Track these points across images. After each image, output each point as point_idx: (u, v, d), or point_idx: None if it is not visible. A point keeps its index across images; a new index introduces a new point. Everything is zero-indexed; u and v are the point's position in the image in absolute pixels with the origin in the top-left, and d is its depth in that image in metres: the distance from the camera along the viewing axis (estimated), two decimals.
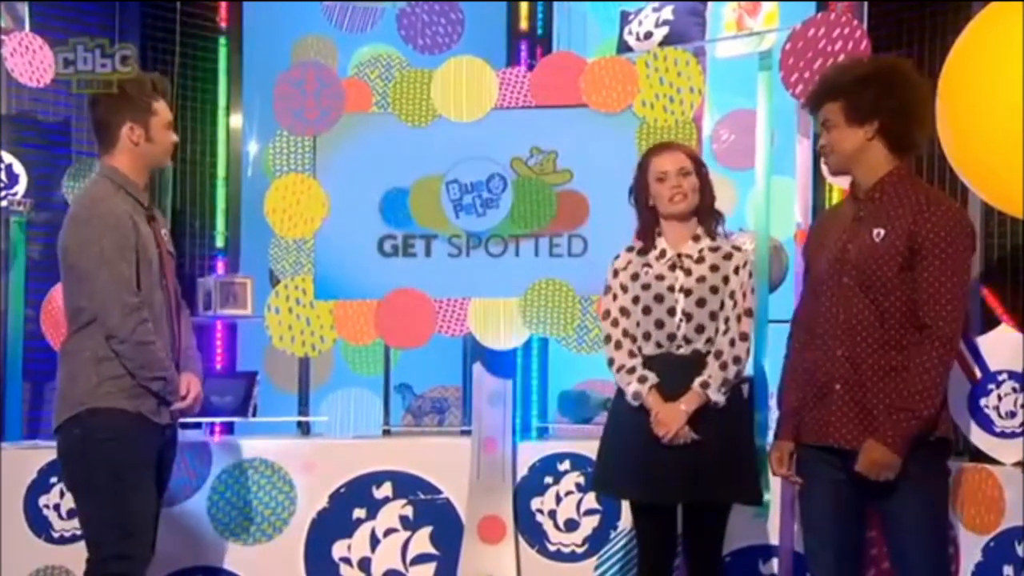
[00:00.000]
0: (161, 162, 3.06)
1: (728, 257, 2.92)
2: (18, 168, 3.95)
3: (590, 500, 3.67)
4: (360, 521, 3.72)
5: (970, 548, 3.06)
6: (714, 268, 2.90)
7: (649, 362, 2.88)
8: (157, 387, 2.87)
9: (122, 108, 2.93)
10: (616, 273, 2.99)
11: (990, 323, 3.32)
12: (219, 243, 4.68)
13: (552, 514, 3.70)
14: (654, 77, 3.59)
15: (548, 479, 3.71)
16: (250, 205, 4.45)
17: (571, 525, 3.69)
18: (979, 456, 3.13)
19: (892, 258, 2.50)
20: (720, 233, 3.01)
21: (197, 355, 3.14)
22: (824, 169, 2.90)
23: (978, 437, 3.12)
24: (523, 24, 4.55)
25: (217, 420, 4.09)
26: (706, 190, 2.95)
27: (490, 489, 3.69)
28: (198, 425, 3.99)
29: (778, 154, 3.57)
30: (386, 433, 4.04)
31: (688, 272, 2.89)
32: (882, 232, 2.53)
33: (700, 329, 2.86)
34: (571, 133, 3.64)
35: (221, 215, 4.68)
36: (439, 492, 3.73)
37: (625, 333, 2.93)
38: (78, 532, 3.44)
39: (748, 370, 3.10)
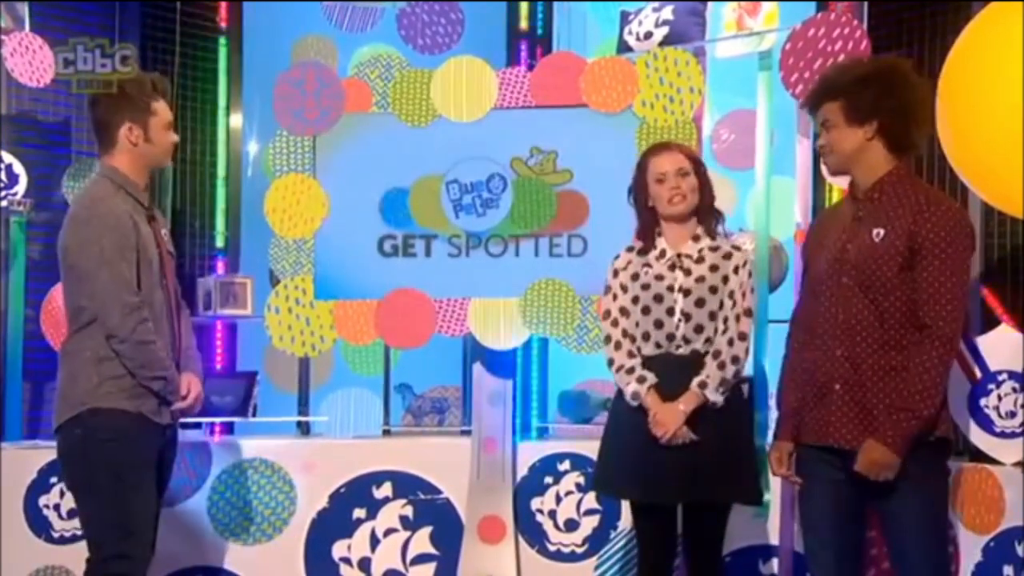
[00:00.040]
0: (161, 162, 3.06)
1: (728, 257, 2.92)
2: (18, 168, 3.95)
3: (590, 500, 3.67)
4: (360, 521, 3.72)
5: (970, 548, 3.06)
6: (713, 268, 2.90)
7: (648, 362, 2.88)
8: (157, 387, 2.87)
9: (121, 108, 2.93)
10: (616, 273, 2.99)
11: (990, 323, 3.32)
12: (219, 243, 4.68)
13: (552, 514, 3.70)
14: (654, 77, 3.59)
15: (548, 479, 3.71)
16: (250, 205, 4.45)
17: (571, 525, 3.69)
18: (979, 456, 3.13)
19: (892, 258, 2.50)
20: (720, 233, 3.01)
21: (197, 355, 3.14)
22: (823, 169, 2.90)
23: (978, 437, 3.12)
24: (523, 24, 4.55)
25: (217, 420, 4.09)
26: (705, 190, 2.94)
27: (490, 489, 3.69)
28: (198, 425, 3.99)
29: (778, 154, 3.57)
30: (386, 433, 4.04)
31: (687, 272, 2.89)
32: (882, 232, 2.53)
33: (699, 329, 2.86)
34: (571, 133, 3.64)
35: (221, 215, 4.68)
36: (439, 492, 3.73)
37: (624, 333, 2.93)
38: (78, 532, 3.44)
39: (748, 370, 3.11)
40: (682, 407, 2.81)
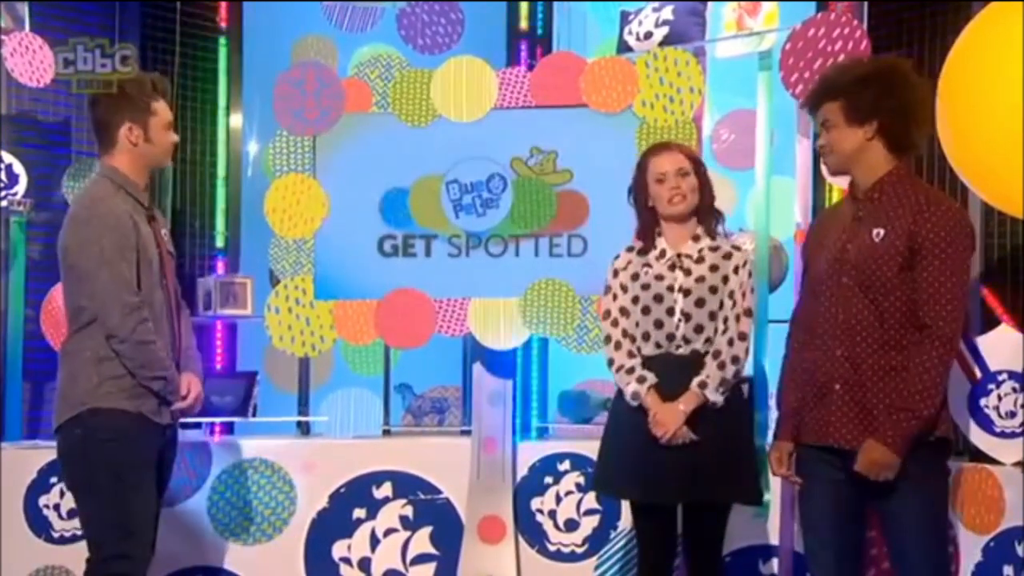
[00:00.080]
0: (161, 162, 3.06)
1: (728, 257, 2.92)
2: (18, 168, 3.95)
3: (590, 500, 3.67)
4: (360, 521, 3.72)
5: (970, 548, 3.06)
6: (713, 268, 2.90)
7: (648, 362, 2.88)
8: (158, 387, 2.87)
9: (121, 108, 2.93)
10: (616, 273, 2.99)
11: (990, 323, 3.32)
12: (219, 243, 4.67)
13: (552, 514, 3.70)
14: (654, 77, 3.59)
15: (548, 479, 3.71)
16: (250, 205, 4.45)
17: (571, 525, 3.69)
18: (979, 456, 3.13)
19: (892, 258, 2.50)
20: (720, 232, 3.01)
21: (197, 355, 3.14)
22: (823, 169, 2.90)
23: (978, 437, 3.12)
24: (523, 24, 4.55)
25: (217, 420, 4.09)
26: (705, 190, 2.94)
27: (490, 489, 3.69)
28: (198, 425, 3.99)
29: (778, 154, 3.57)
30: (386, 433, 4.03)
31: (687, 272, 2.89)
32: (881, 232, 2.53)
33: (699, 329, 2.86)
34: (571, 133, 3.64)
35: (221, 215, 4.68)
36: (439, 492, 3.73)
37: (624, 333, 2.93)
38: (78, 532, 3.44)
39: (748, 370, 3.11)
40: (682, 407, 2.80)
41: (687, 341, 2.86)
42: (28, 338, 3.93)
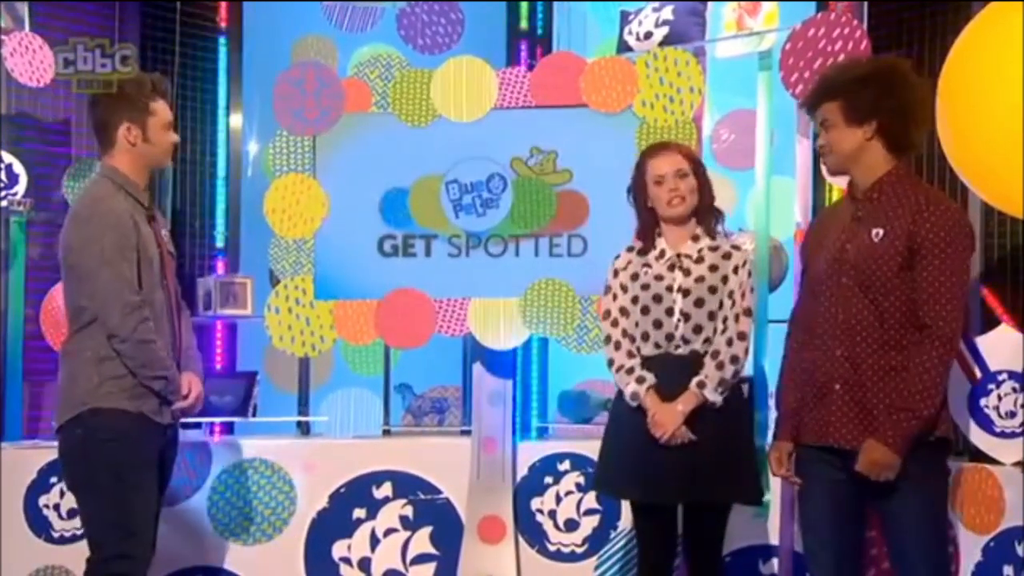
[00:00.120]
0: (161, 162, 3.06)
1: (727, 256, 2.92)
2: (18, 168, 3.95)
3: (590, 500, 3.67)
4: (360, 521, 3.72)
5: (970, 548, 3.06)
6: (713, 268, 2.89)
7: (648, 362, 2.88)
8: (158, 386, 2.87)
9: (119, 108, 2.94)
10: (616, 273, 2.99)
11: (990, 323, 3.32)
12: (219, 243, 4.67)
13: (552, 514, 3.70)
14: (654, 77, 3.59)
15: (548, 479, 3.71)
16: (250, 205, 4.45)
17: (571, 525, 3.69)
18: (979, 456, 3.13)
19: (891, 258, 2.50)
20: (720, 232, 3.01)
21: (198, 355, 3.14)
22: (823, 169, 2.90)
23: (978, 437, 3.12)
24: (523, 24, 4.54)
25: (217, 420, 4.09)
26: (704, 190, 2.94)
27: (490, 489, 3.69)
28: (198, 425, 3.99)
29: (778, 154, 3.57)
30: (386, 433, 4.04)
31: (687, 272, 2.89)
32: (881, 232, 2.53)
33: (698, 329, 2.86)
34: (571, 133, 3.64)
35: (221, 215, 4.68)
36: (439, 492, 3.73)
37: (624, 333, 2.93)
38: (78, 532, 3.45)
39: (748, 370, 3.11)
40: (680, 407, 2.80)
41: (686, 341, 2.86)
42: (28, 338, 3.93)
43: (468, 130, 3.67)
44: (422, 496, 3.73)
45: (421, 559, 3.73)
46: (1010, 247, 3.64)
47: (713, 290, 2.87)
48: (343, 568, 3.71)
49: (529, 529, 3.70)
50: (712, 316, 2.87)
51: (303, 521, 3.71)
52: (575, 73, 3.64)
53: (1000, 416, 3.09)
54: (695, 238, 2.94)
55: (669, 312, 2.87)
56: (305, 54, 4.24)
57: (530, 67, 3.98)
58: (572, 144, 3.64)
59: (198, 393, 2.99)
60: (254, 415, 4.01)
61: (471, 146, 3.63)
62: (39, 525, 3.57)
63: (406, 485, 3.73)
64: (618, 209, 3.11)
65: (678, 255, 2.92)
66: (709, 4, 3.67)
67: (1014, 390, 3.07)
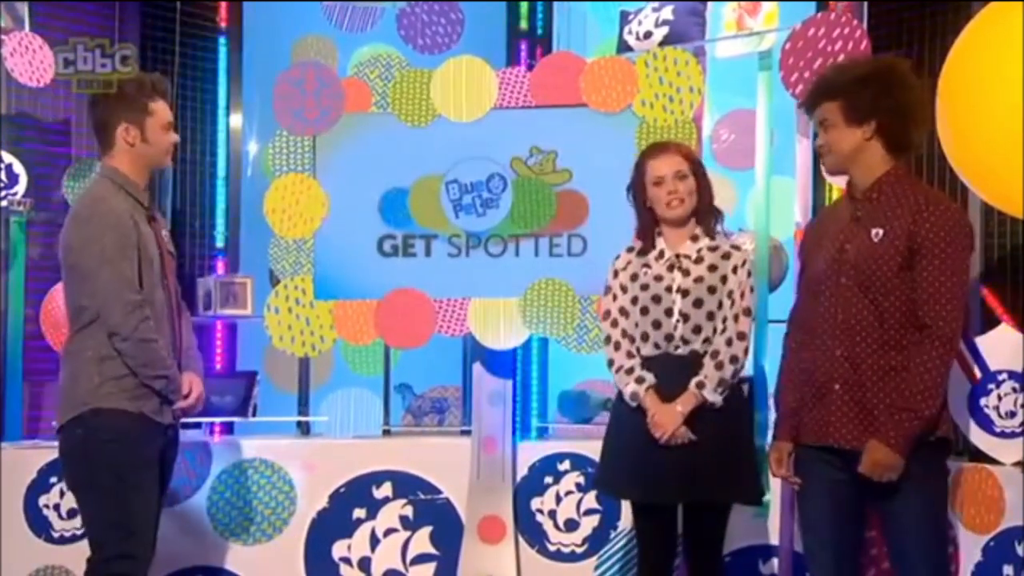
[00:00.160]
0: (160, 162, 3.06)
1: (726, 256, 2.92)
2: (18, 168, 3.95)
3: (590, 500, 3.67)
4: (360, 521, 3.72)
5: (970, 548, 3.06)
6: (712, 268, 2.89)
7: (648, 363, 2.88)
8: (159, 385, 2.87)
9: (118, 109, 2.94)
10: (616, 274, 2.99)
11: (990, 323, 3.32)
12: (219, 243, 4.67)
13: (552, 514, 3.70)
14: (654, 77, 3.59)
15: (548, 479, 3.71)
16: (250, 205, 4.45)
17: (571, 525, 3.69)
18: (979, 456, 3.13)
19: (891, 258, 2.50)
20: (719, 232, 3.01)
21: (198, 355, 3.14)
22: (823, 168, 2.90)
23: (978, 437, 3.12)
24: (523, 24, 4.54)
25: (217, 420, 4.09)
26: (704, 190, 2.94)
27: (490, 489, 3.69)
28: (198, 425, 3.99)
29: (778, 154, 3.57)
30: (386, 433, 4.04)
31: (686, 272, 2.89)
32: (881, 232, 2.53)
33: (697, 330, 2.86)
34: (571, 133, 3.64)
35: (221, 215, 4.68)
36: (439, 492, 3.73)
37: (624, 334, 2.93)
38: (78, 532, 3.45)
39: (748, 370, 3.11)
40: (680, 408, 2.80)
41: (685, 342, 2.86)
42: (28, 338, 3.93)
43: (468, 130, 3.67)
44: (422, 496, 3.73)
45: (421, 559, 3.73)
46: (1010, 247, 3.64)
47: (712, 290, 2.87)
48: (343, 568, 3.71)
49: (529, 529, 3.70)
50: (711, 316, 2.86)
51: (303, 521, 3.72)
52: (575, 73, 3.64)
53: (1000, 416, 3.09)
54: (694, 238, 2.93)
55: (668, 313, 2.86)
56: (305, 54, 4.24)
57: (530, 67, 3.98)
58: (572, 144, 3.64)
59: (199, 393, 3.00)
60: (254, 415, 4.01)
61: (471, 146, 3.63)
62: (39, 525, 3.57)
63: (406, 485, 3.73)
64: (618, 209, 3.11)
65: (677, 255, 2.92)
66: (709, 4, 3.67)
67: (1014, 390, 3.07)
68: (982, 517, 3.05)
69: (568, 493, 3.70)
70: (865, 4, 3.71)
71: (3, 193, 3.89)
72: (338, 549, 3.72)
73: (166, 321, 2.95)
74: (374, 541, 3.72)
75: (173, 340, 2.98)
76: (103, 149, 2.98)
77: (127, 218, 2.86)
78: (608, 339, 2.96)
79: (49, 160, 4.21)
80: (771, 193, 3.51)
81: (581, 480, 3.67)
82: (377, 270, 3.69)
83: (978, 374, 3.11)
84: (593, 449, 3.06)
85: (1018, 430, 3.06)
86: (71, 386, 2.87)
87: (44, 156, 4.20)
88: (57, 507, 3.57)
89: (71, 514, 3.52)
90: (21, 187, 3.95)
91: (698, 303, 2.86)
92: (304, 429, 4.13)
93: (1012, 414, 3.07)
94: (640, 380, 2.85)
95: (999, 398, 3.09)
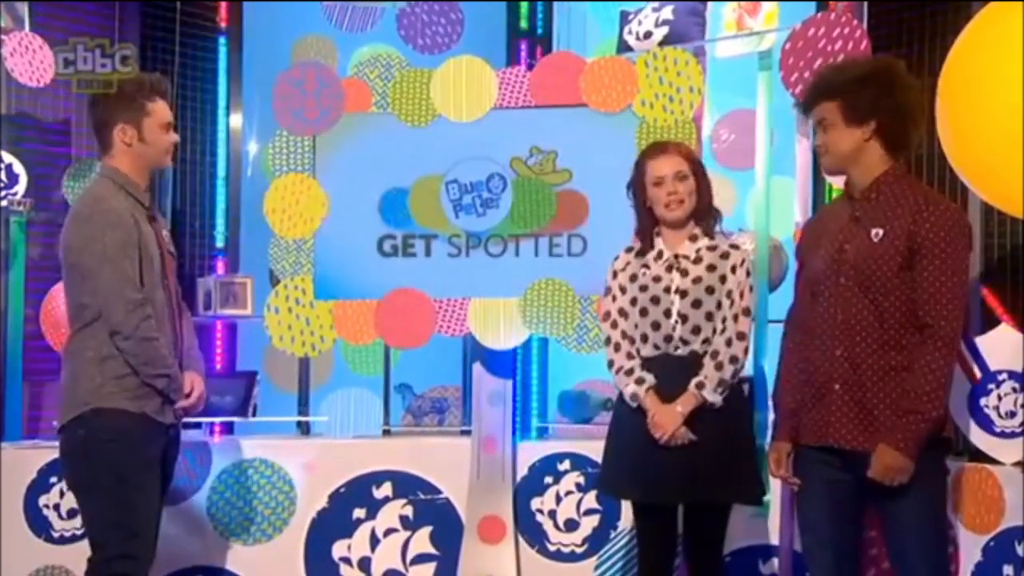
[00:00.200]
0: (160, 162, 3.05)
1: (725, 256, 2.91)
2: (18, 168, 3.95)
3: (590, 500, 3.67)
4: (360, 521, 3.72)
5: (970, 548, 3.06)
6: (711, 268, 2.89)
7: (647, 363, 2.88)
8: (161, 384, 2.87)
9: (116, 109, 2.94)
10: (615, 274, 2.99)
11: (990, 323, 3.32)
12: (219, 243, 4.67)
13: (552, 514, 3.70)
14: (654, 77, 3.59)
15: (548, 479, 3.71)
16: (250, 205, 4.45)
17: (571, 525, 3.69)
18: (979, 456, 3.13)
19: (891, 258, 2.50)
20: (719, 232, 3.01)
21: (199, 355, 3.15)
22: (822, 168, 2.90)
23: (978, 437, 3.12)
24: (523, 24, 4.54)
25: (217, 420, 4.09)
26: (703, 190, 2.93)
27: (490, 489, 3.69)
28: (198, 425, 3.99)
29: (778, 154, 3.57)
30: (386, 433, 4.04)
31: (684, 273, 2.89)
32: (880, 232, 2.53)
33: (696, 330, 2.85)
34: (571, 133, 3.64)
35: (221, 215, 4.68)
36: (439, 492, 3.73)
37: (623, 335, 2.93)
38: (78, 532, 3.45)
39: (748, 370, 3.10)
40: (680, 408, 2.80)
41: (685, 342, 2.86)
42: (28, 338, 3.93)
43: (468, 130, 3.67)
44: (422, 496, 3.73)
45: (421, 559, 3.72)
46: (1010, 247, 3.64)
47: (711, 290, 2.87)
48: (343, 568, 3.71)
49: (529, 529, 3.70)
50: (710, 317, 2.86)
51: (303, 521, 3.72)
52: (575, 73, 3.64)
53: (1000, 416, 3.09)
54: (693, 238, 2.93)
55: (667, 314, 2.86)
56: (305, 54, 4.24)
57: (530, 67, 3.98)
58: (572, 144, 3.64)
59: (200, 392, 3.00)
60: (254, 415, 4.01)
61: (471, 146, 3.63)
62: (39, 525, 3.57)
63: (406, 485, 3.73)
64: (618, 209, 3.11)
65: (676, 256, 2.91)
66: (709, 4, 3.67)
67: (1014, 390, 3.07)
68: (982, 517, 3.05)
69: (568, 493, 3.70)
70: (865, 4, 3.71)
71: (3, 193, 3.89)
72: (338, 549, 3.72)
73: (167, 321, 2.95)
74: (374, 541, 3.72)
75: (174, 340, 2.98)
76: (103, 149, 2.99)
77: (128, 217, 2.86)
78: (608, 340, 2.96)
79: (49, 160, 4.21)
80: (771, 193, 3.51)
81: (581, 480, 3.67)
82: (377, 270, 3.69)
83: (978, 374, 3.11)
84: (593, 449, 3.06)
85: (1018, 430, 3.06)
86: (72, 386, 2.87)
87: (44, 156, 4.20)
88: (57, 507, 3.57)
89: (71, 514, 3.52)
90: (21, 187, 3.95)
91: (696, 304, 2.86)
92: (304, 429, 4.13)
93: (1012, 414, 3.07)
94: (640, 381, 2.85)
95: (999, 398, 3.09)
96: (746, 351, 2.88)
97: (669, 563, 2.97)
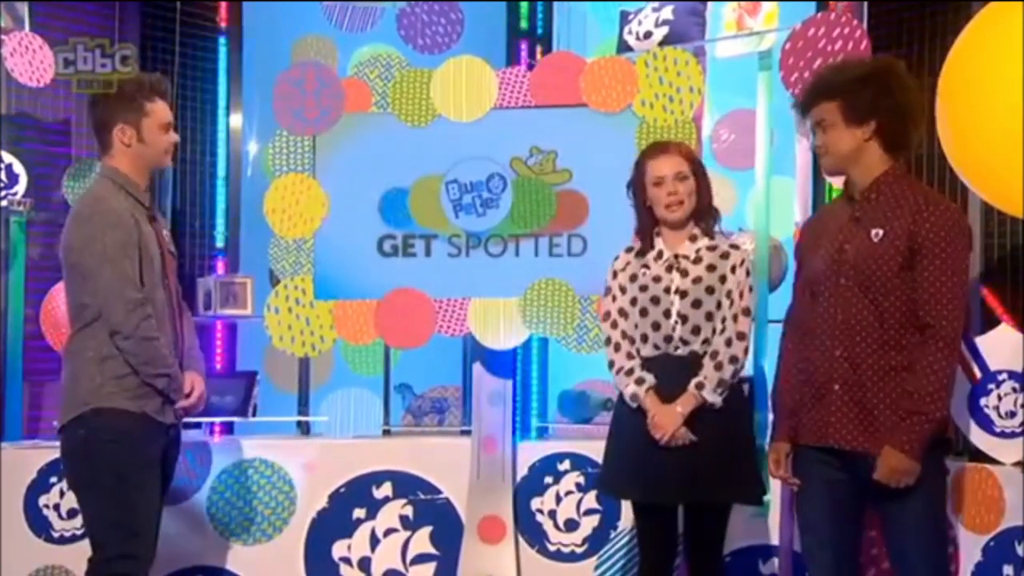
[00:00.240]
0: (159, 162, 3.05)
1: (725, 256, 2.91)
2: (18, 168, 3.95)
3: (590, 500, 3.67)
4: (360, 521, 3.72)
5: (970, 548, 3.06)
6: (711, 268, 2.89)
7: (648, 363, 2.88)
8: (161, 384, 2.87)
9: (116, 109, 2.94)
10: (615, 274, 2.99)
11: (990, 323, 3.32)
12: (219, 243, 4.68)
13: (552, 514, 3.70)
14: (654, 77, 3.59)
15: (548, 479, 3.71)
16: (250, 205, 4.45)
17: (571, 525, 3.69)
18: (979, 456, 3.13)
19: (892, 258, 2.50)
20: (718, 231, 3.00)
21: (200, 355, 3.15)
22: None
23: (978, 437, 3.12)
24: (523, 24, 4.55)
25: (217, 420, 4.09)
26: (703, 190, 2.93)
27: (490, 489, 3.69)
28: (198, 425, 3.99)
29: (778, 154, 3.57)
30: (386, 433, 4.04)
31: (684, 273, 2.89)
32: (880, 232, 2.53)
33: (696, 331, 2.85)
34: (571, 133, 3.64)
35: (221, 215, 4.68)
36: (439, 492, 3.73)
37: (623, 335, 2.93)
38: (78, 532, 3.45)
39: (748, 370, 3.10)
40: (679, 409, 2.80)
41: (685, 343, 2.86)
42: (28, 338, 3.93)
43: (468, 130, 3.67)
44: (422, 496, 3.73)
45: (421, 559, 3.73)
46: (1010, 247, 3.64)
47: (710, 290, 2.87)
48: (343, 568, 3.71)
49: (529, 529, 3.70)
50: (710, 317, 2.86)
51: (303, 521, 3.72)
52: (575, 73, 3.64)
53: (1000, 416, 3.09)
54: (693, 238, 2.93)
55: (667, 314, 2.86)
56: (305, 54, 4.24)
57: (530, 67, 3.98)
58: (572, 144, 3.64)
59: (200, 392, 3.00)
60: (254, 415, 4.01)
61: (471, 146, 3.63)
62: (39, 525, 3.57)
63: (406, 485, 3.73)
64: (618, 209, 3.11)
65: (676, 256, 2.91)
66: (709, 4, 3.67)
67: (1014, 390, 3.07)
68: (982, 517, 3.05)
69: (568, 493, 3.70)
70: (865, 4, 3.71)
71: (3, 193, 3.89)
72: (338, 549, 3.72)
73: (167, 320, 2.95)
74: (374, 541, 3.72)
75: (174, 339, 2.98)
76: (103, 149, 2.99)
77: (128, 217, 2.86)
78: (608, 340, 2.96)
79: (49, 160, 4.21)
80: (771, 193, 3.50)
81: (581, 480, 3.67)
82: (377, 270, 3.69)
83: (978, 374, 3.11)
84: (593, 449, 3.06)
85: (1018, 430, 3.06)
86: (72, 386, 2.87)
87: (44, 156, 4.20)
88: (57, 507, 3.57)
89: (71, 514, 3.52)
90: (21, 187, 3.95)
91: (696, 304, 2.85)
92: (304, 429, 4.13)
93: (1012, 414, 3.07)
94: (640, 381, 2.85)
95: (999, 398, 3.09)
96: (746, 351, 2.88)
97: (669, 563, 2.97)
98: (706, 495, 2.83)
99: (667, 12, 3.67)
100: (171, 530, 3.38)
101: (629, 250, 3.01)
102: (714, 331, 2.86)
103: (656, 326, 2.87)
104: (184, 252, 4.33)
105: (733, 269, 2.89)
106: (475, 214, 3.60)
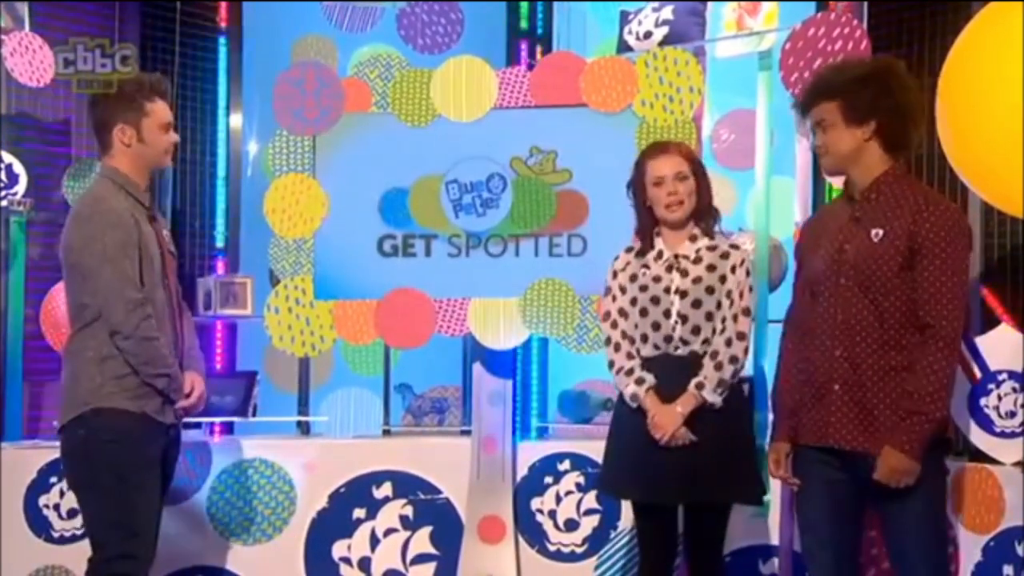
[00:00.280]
0: (159, 162, 3.05)
1: (725, 256, 2.91)
2: (18, 168, 3.95)
3: (590, 500, 3.67)
4: (360, 521, 3.72)
5: (970, 548, 3.06)
6: (711, 268, 2.89)
7: (648, 363, 2.88)
8: (161, 384, 2.87)
9: (116, 109, 2.94)
10: (615, 274, 2.99)
11: (990, 323, 3.32)
12: (219, 243, 4.68)
13: (552, 514, 3.70)
14: (654, 77, 3.59)
15: (548, 479, 3.71)
16: (250, 205, 4.45)
17: (571, 525, 3.69)
18: (979, 456, 3.13)
19: (892, 258, 2.50)
20: (718, 231, 3.00)
21: (200, 355, 3.15)
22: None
23: (978, 437, 3.12)
24: (523, 24, 4.55)
25: (217, 420, 4.09)
26: (703, 190, 2.93)
27: (490, 489, 3.69)
28: (198, 425, 3.99)
29: (778, 154, 3.57)
30: (386, 433, 4.04)
31: (684, 273, 2.89)
32: (880, 232, 2.53)
33: (696, 331, 2.85)
34: (571, 133, 3.64)
35: (221, 215, 4.68)
36: (439, 492, 3.73)
37: (623, 335, 2.93)
38: (78, 532, 3.45)
39: (748, 370, 3.10)
40: (679, 409, 2.80)
41: (685, 343, 2.86)
42: (28, 338, 3.93)
43: (468, 130, 3.67)
44: (422, 496, 3.73)
45: (421, 559, 3.73)
46: (1010, 247, 3.64)
47: (710, 290, 2.87)
48: (343, 568, 3.71)
49: (529, 529, 3.70)
50: (710, 317, 2.86)
51: (303, 521, 3.72)
52: (575, 73, 3.63)
53: (1000, 416, 3.09)
54: (693, 238, 2.93)
55: (667, 314, 2.86)
56: (305, 54, 4.24)
57: (530, 67, 3.98)
58: (572, 144, 3.64)
59: (200, 392, 3.00)
60: (254, 415, 4.01)
61: (471, 146, 3.63)
62: (39, 525, 3.57)
63: (406, 485, 3.73)
64: (618, 209, 3.11)
65: (676, 256, 2.91)
66: (709, 4, 3.67)
67: (1014, 390, 3.07)
68: (982, 517, 3.05)
69: (568, 493, 3.70)
70: (865, 4, 3.71)
71: (3, 193, 3.89)
72: (338, 549, 3.72)
73: (167, 320, 2.95)
74: (374, 541, 3.72)
75: (175, 340, 2.98)
76: (102, 149, 2.99)
77: (128, 217, 2.86)
78: (608, 340, 2.96)
79: (49, 160, 4.21)
80: (771, 193, 3.50)
81: (581, 480, 3.67)
82: (377, 270, 3.69)
83: (978, 374, 3.11)
84: (593, 449, 3.06)
85: (1018, 430, 3.06)
86: (72, 386, 2.87)
87: (44, 156, 4.21)
88: (57, 507, 3.57)
89: (71, 514, 3.52)
90: (21, 187, 3.95)
91: (696, 304, 2.85)
92: (304, 429, 4.13)
93: (1012, 414, 3.07)
94: (640, 381, 2.85)
95: (999, 398, 3.09)
96: (746, 351, 2.88)
97: (669, 563, 2.97)
98: (706, 495, 2.83)
99: (667, 12, 3.67)
100: (171, 530, 3.38)
101: (629, 250, 3.01)
102: (714, 331, 2.86)
103: (656, 326, 2.87)
104: (184, 252, 4.33)
105: (733, 269, 2.89)
106: (475, 214, 3.60)
